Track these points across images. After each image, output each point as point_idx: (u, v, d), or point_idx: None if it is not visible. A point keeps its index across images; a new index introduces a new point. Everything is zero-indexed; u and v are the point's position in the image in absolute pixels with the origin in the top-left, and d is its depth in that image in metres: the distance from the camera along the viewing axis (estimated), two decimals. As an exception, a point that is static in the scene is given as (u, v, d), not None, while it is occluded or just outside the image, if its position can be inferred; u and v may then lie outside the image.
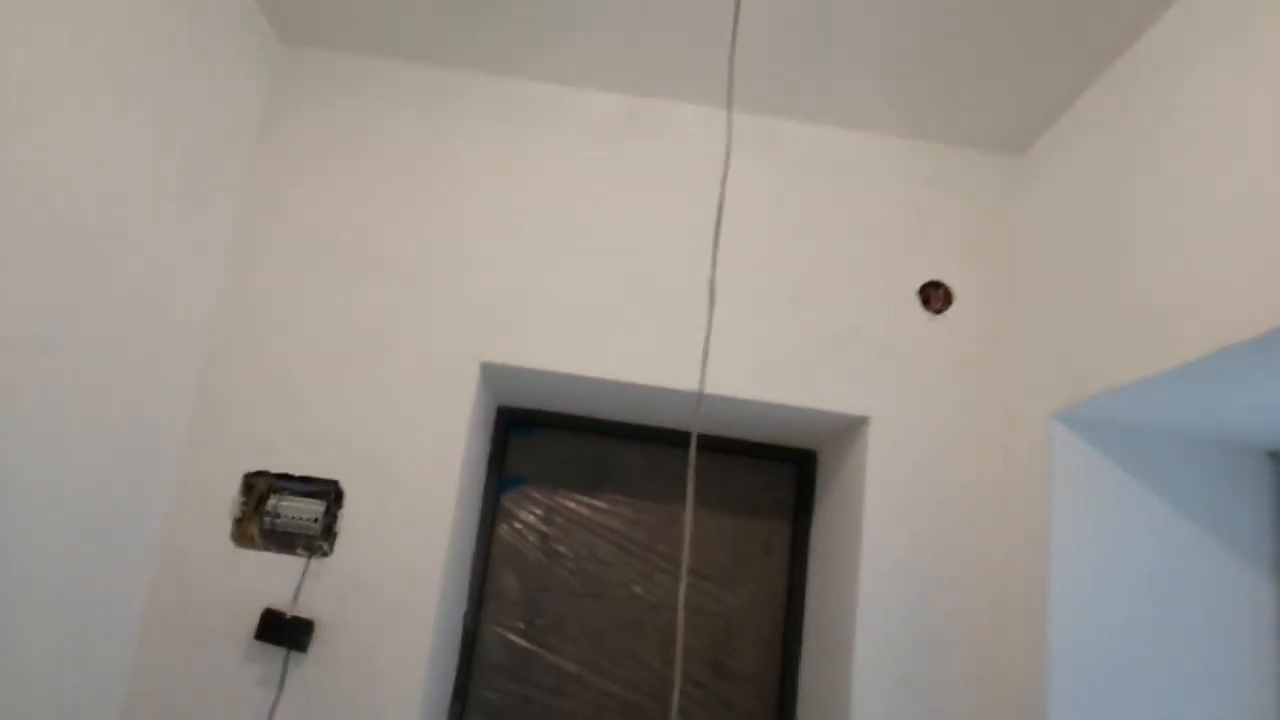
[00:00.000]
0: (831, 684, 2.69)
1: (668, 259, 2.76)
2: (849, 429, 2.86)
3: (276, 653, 2.48)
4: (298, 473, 2.62)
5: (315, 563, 2.56)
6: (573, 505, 3.21)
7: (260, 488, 2.61)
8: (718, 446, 3.21)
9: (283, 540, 2.60)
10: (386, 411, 2.66)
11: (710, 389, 2.50)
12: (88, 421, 2.18)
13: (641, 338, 2.72)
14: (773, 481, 3.27)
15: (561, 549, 3.18)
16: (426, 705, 2.54)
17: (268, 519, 2.58)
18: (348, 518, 2.59)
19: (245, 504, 2.61)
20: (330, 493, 2.61)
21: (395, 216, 2.78)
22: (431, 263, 2.76)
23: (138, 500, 2.46)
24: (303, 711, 2.46)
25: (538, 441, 3.27)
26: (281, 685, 2.46)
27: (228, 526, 2.58)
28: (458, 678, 2.97)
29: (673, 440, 3.21)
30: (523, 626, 3.11)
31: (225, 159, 2.66)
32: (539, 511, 3.21)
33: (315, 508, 2.59)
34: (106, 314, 2.18)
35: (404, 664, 2.51)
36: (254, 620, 2.50)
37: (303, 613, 2.50)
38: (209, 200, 2.60)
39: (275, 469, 2.62)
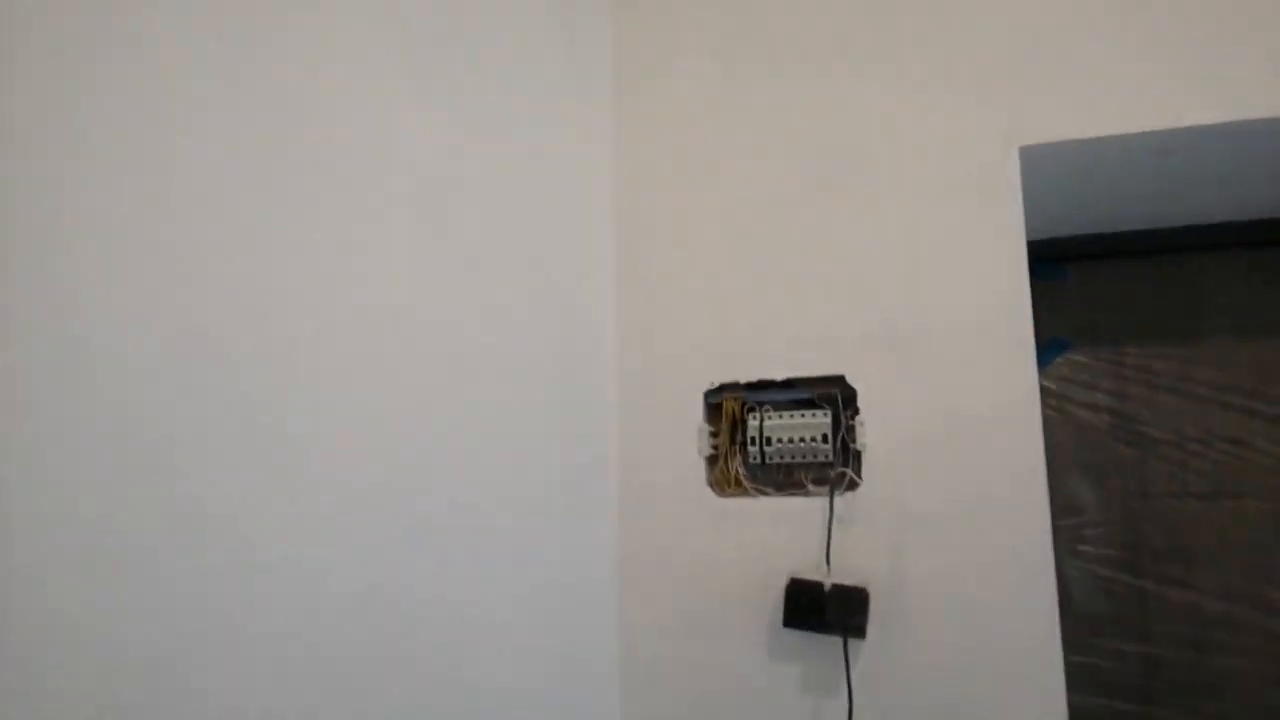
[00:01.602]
0: None
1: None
2: None
3: (820, 644, 1.63)
4: (778, 376, 1.74)
5: (841, 500, 1.67)
6: (1154, 363, 2.11)
7: (731, 408, 1.77)
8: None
9: (783, 476, 1.75)
10: (889, 252, 1.72)
11: None
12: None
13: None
14: None
15: (1152, 430, 2.09)
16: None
17: (753, 450, 1.73)
18: (870, 426, 1.67)
19: (716, 435, 1.78)
20: (835, 396, 1.71)
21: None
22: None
23: (582, 465, 1.71)
24: (883, 726, 1.59)
25: (1073, 286, 2.19)
26: (849, 694, 1.59)
27: (700, 471, 1.76)
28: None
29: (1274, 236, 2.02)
30: (1118, 554, 2.06)
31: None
32: (1104, 382, 2.14)
33: (818, 421, 1.70)
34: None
35: (1025, 629, 1.56)
36: (772, 599, 1.67)
37: (845, 578, 1.62)
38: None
39: (745, 378, 1.77)
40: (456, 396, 1.38)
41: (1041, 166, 1.70)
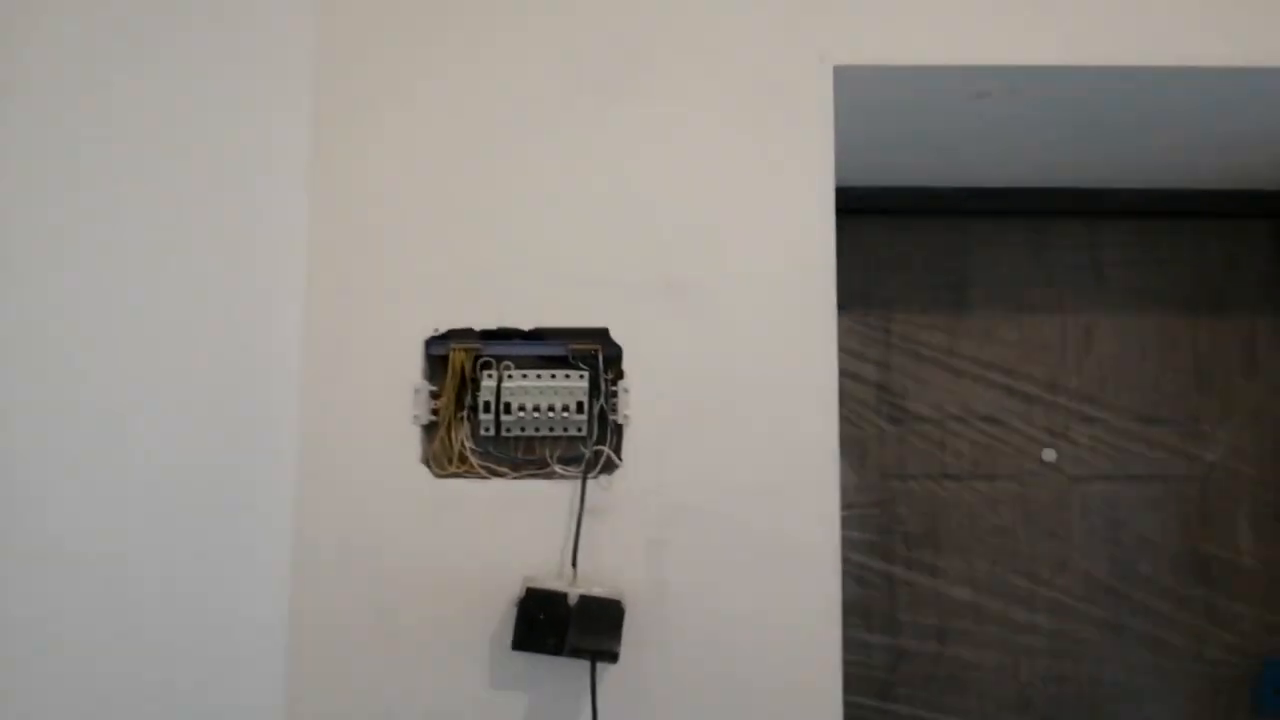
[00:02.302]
0: None
1: None
2: None
3: (560, 671, 1.27)
4: (524, 325, 1.35)
5: (596, 486, 1.32)
6: (922, 334, 1.94)
7: (461, 362, 1.35)
8: (1129, 211, 1.92)
9: (523, 453, 1.36)
10: (672, 177, 1.37)
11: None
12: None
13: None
14: (1236, 253, 1.96)
15: (915, 406, 1.93)
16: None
17: (486, 418, 1.33)
18: (636, 394, 1.33)
19: (438, 396, 1.36)
20: (595, 355, 1.34)
21: None
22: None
23: (246, 434, 1.22)
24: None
25: (849, 242, 1.97)
26: (591, 734, 1.25)
27: (414, 443, 1.34)
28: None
29: (1062, 207, 1.92)
30: (872, 539, 1.90)
31: None
32: (871, 351, 1.94)
33: (572, 385, 1.33)
34: None
35: (805, 642, 1.30)
36: (500, 613, 1.29)
37: (595, 586, 1.28)
38: None
39: (481, 324, 1.35)
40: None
41: (849, 95, 1.41)
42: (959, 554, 1.89)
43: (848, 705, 1.35)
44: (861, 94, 1.41)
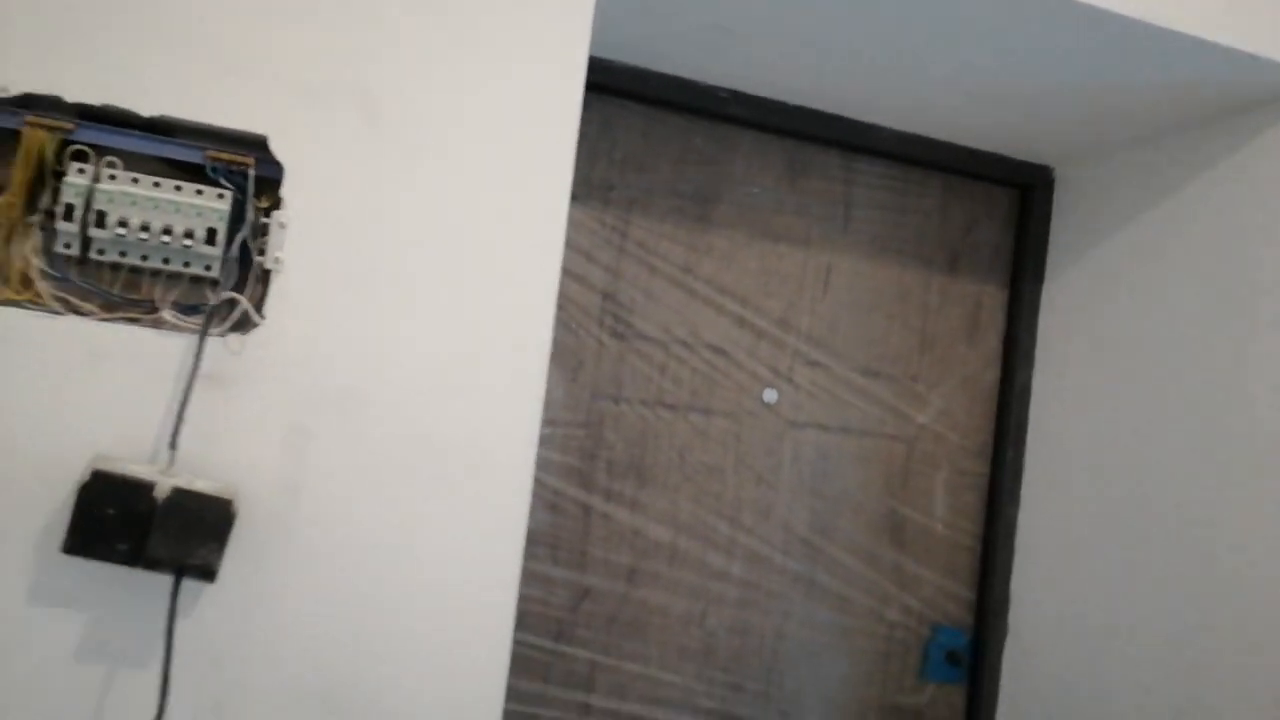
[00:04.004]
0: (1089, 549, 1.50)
1: None
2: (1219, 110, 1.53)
3: (130, 586, 0.93)
4: (143, 110, 0.96)
5: (223, 346, 0.97)
6: (661, 245, 1.73)
7: (40, 145, 0.94)
8: (885, 152, 1.83)
9: (120, 287, 0.98)
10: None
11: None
12: None
13: None
14: (976, 217, 1.92)
15: (641, 323, 1.72)
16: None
17: (68, 229, 0.93)
18: (297, 233, 0.99)
19: (1, 189, 0.94)
20: (244, 172, 0.98)
21: None
22: None
23: None
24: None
25: (595, 126, 1.70)
26: (166, 676, 0.91)
27: (-53, 247, 0.92)
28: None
29: (824, 133, 1.78)
30: (573, 463, 1.67)
31: None
32: (603, 255, 1.70)
33: (206, 205, 0.97)
34: None
35: (476, 577, 1.04)
36: (58, 501, 0.92)
37: (197, 480, 0.94)
38: None
39: (78, 95, 0.95)
40: None
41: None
42: (664, 490, 1.72)
43: (517, 645, 1.11)
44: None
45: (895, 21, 1.38)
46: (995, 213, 1.93)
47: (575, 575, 1.68)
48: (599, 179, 1.70)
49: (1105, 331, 1.72)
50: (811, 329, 1.80)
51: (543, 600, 1.65)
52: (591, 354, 1.69)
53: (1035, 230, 1.90)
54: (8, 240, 0.94)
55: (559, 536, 1.67)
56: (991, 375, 1.90)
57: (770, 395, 1.77)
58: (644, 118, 1.72)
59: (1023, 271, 1.90)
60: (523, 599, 1.62)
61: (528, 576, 1.64)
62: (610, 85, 1.66)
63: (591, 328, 1.69)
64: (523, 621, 1.65)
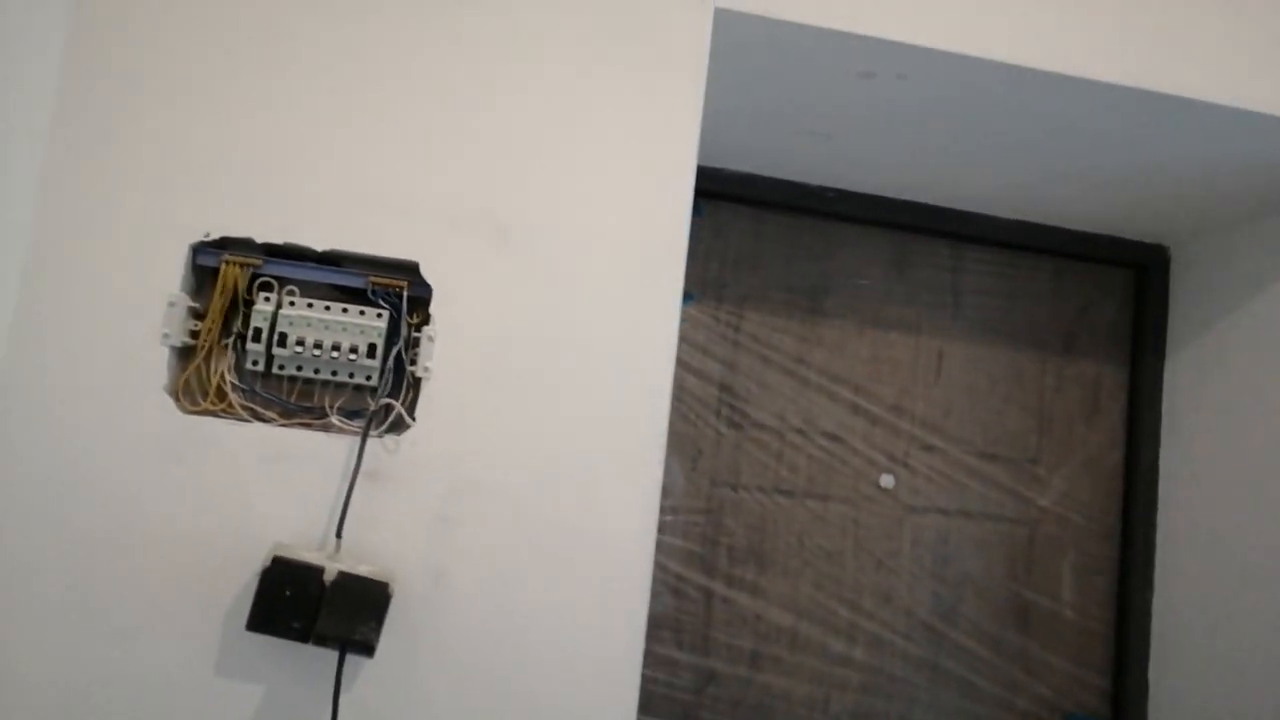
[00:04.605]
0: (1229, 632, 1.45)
1: None
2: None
3: (302, 661, 1.06)
4: (317, 245, 1.13)
5: (380, 446, 1.11)
6: (773, 337, 1.82)
7: (234, 278, 1.11)
8: (993, 239, 1.87)
9: (297, 398, 1.14)
10: (511, 94, 1.18)
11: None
12: None
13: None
14: (1091, 298, 1.93)
15: (756, 412, 1.80)
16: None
17: (255, 349, 1.10)
18: (443, 344, 1.13)
19: (202, 316, 1.12)
20: (399, 293, 1.13)
21: None
22: None
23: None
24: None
25: (706, 227, 1.83)
26: (327, 739, 1.03)
27: (161, 367, 1.09)
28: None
29: (930, 224, 1.84)
30: (694, 549, 1.75)
31: None
32: (718, 349, 1.80)
33: (368, 324, 1.12)
34: None
35: (609, 653, 1.13)
36: (241, 584, 1.06)
37: (361, 563, 1.07)
38: None
39: (265, 235, 1.12)
40: None
41: (726, 43, 1.26)
42: (783, 575, 1.77)
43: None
44: (740, 44, 1.26)
45: (999, 120, 1.45)
46: (1111, 293, 1.94)
47: (699, 659, 1.73)
48: (713, 278, 1.81)
49: (1231, 405, 1.70)
50: (926, 414, 1.84)
51: (668, 683, 1.71)
52: (710, 443, 1.78)
53: (1154, 308, 1.90)
54: (208, 359, 1.11)
55: (682, 621, 1.73)
56: (1115, 455, 1.88)
57: (887, 480, 1.81)
58: (754, 219, 1.83)
59: (1142, 349, 1.90)
60: (649, 682, 1.69)
61: (654, 660, 1.71)
62: (721, 191, 1.79)
63: (709, 418, 1.78)
64: (649, 704, 1.71)
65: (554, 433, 1.14)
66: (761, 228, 1.84)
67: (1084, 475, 1.87)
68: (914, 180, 1.75)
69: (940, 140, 1.55)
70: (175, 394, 1.10)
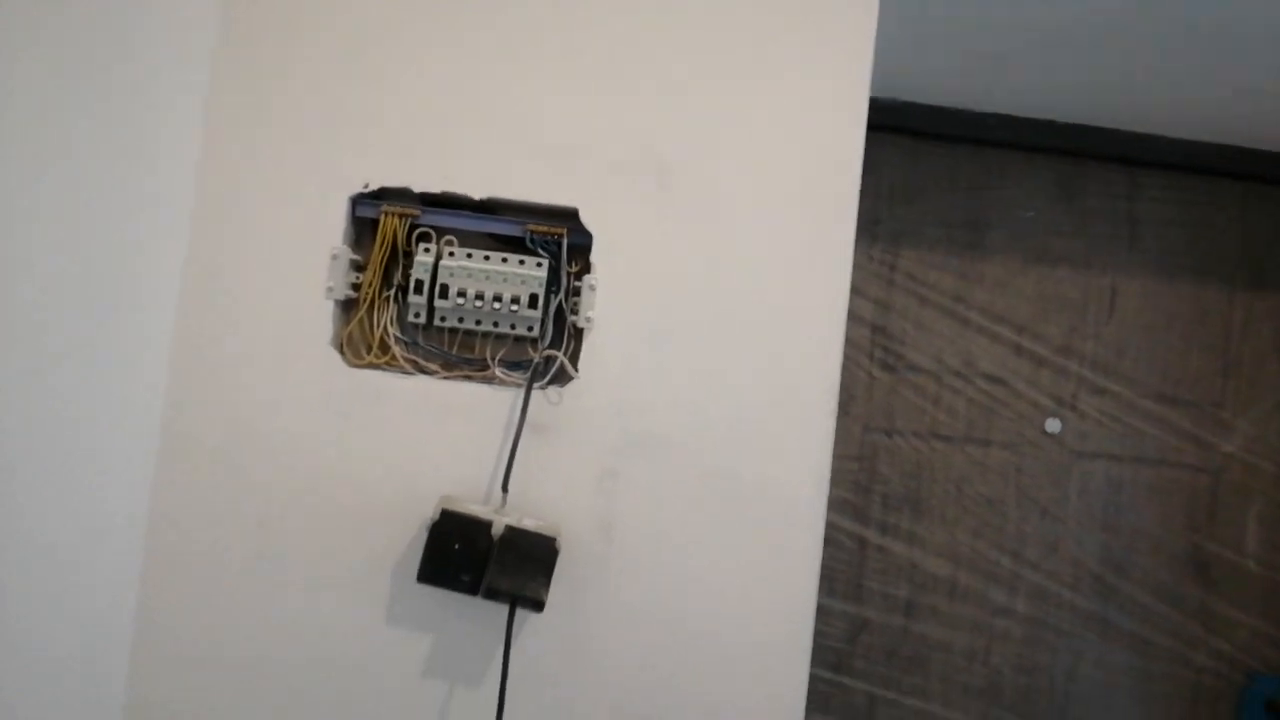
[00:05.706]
0: None
1: None
2: None
3: (471, 613, 1.05)
4: (475, 194, 1.09)
5: (544, 398, 1.08)
6: (930, 275, 1.72)
7: (393, 229, 1.09)
8: (1173, 164, 1.70)
9: (459, 349, 1.12)
10: (675, 31, 1.11)
11: None
12: None
13: None
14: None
15: (911, 354, 1.71)
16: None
17: (417, 300, 1.08)
18: (605, 292, 1.09)
19: (362, 269, 1.11)
20: (559, 240, 1.09)
21: None
22: None
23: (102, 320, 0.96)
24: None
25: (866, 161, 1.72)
26: (502, 693, 1.03)
27: (326, 321, 1.08)
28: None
29: (1101, 149, 1.69)
30: (845, 496, 1.69)
31: None
32: (871, 288, 1.72)
33: (527, 273, 1.08)
34: None
35: (775, 611, 1.09)
36: (409, 535, 1.06)
37: (527, 517, 1.05)
38: None
39: (423, 185, 1.09)
40: None
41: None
42: (940, 523, 1.69)
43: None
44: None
45: (1179, 35, 1.30)
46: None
47: (852, 607, 1.69)
48: (866, 213, 1.71)
49: None
50: (1097, 355, 1.72)
51: (820, 631, 1.68)
52: (863, 387, 1.70)
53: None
54: (370, 312, 1.10)
55: (834, 569, 1.69)
56: (1311, 398, 1.72)
57: (1053, 425, 1.71)
58: (909, 150, 1.72)
59: (1345, 282, 1.72)
60: (803, 630, 1.66)
61: (805, 607, 1.67)
62: (875, 121, 1.67)
63: (862, 360, 1.70)
64: (800, 651, 1.68)
65: (721, 384, 1.09)
66: (918, 159, 1.72)
67: (1275, 419, 1.72)
68: (1084, 102, 1.61)
69: (1115, 58, 1.40)
70: (341, 347, 1.10)
